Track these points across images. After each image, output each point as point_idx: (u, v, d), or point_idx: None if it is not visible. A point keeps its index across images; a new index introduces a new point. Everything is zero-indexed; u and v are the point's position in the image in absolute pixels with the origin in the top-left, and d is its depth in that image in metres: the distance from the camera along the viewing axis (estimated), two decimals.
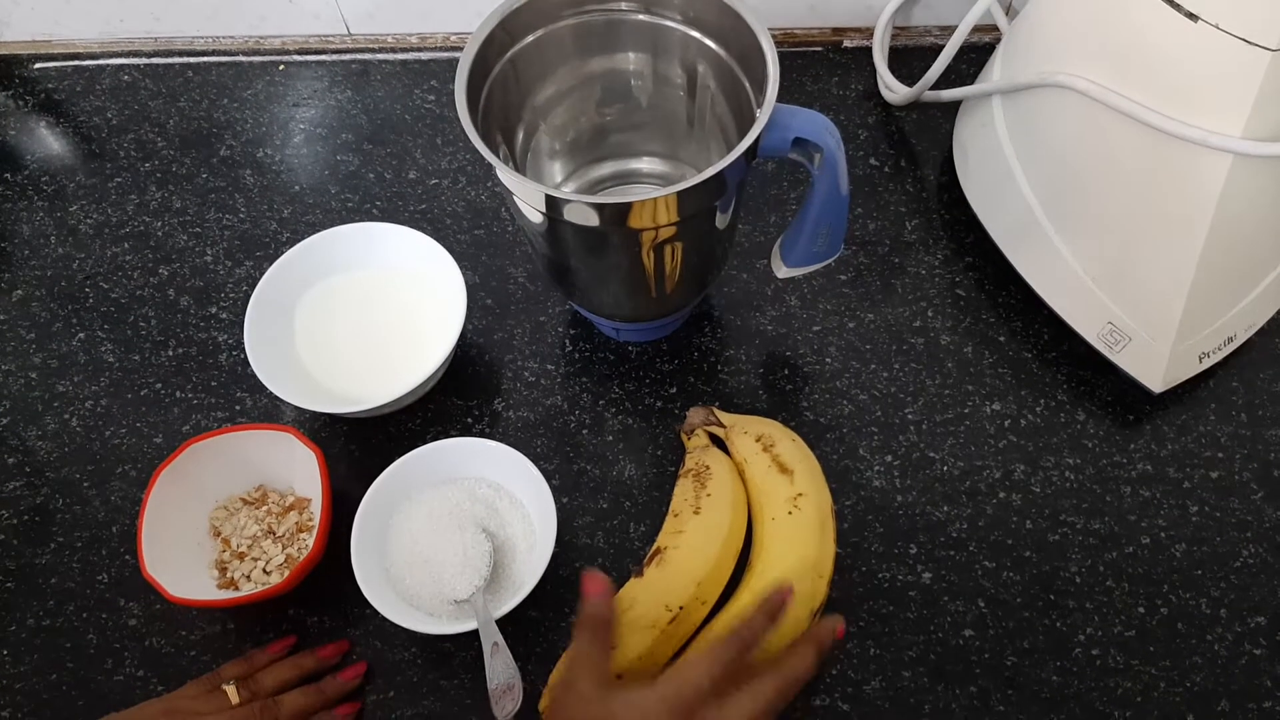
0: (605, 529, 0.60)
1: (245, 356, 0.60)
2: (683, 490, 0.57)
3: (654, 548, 0.55)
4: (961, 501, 0.60)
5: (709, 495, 0.56)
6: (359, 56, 0.81)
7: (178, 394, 0.66)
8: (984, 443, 0.62)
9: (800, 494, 0.56)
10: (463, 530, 0.56)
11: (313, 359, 0.63)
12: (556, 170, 0.64)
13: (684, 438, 0.62)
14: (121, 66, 0.82)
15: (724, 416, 0.61)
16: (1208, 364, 0.62)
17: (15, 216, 0.74)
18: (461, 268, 0.62)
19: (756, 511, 0.57)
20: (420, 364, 0.60)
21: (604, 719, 0.45)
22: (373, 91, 0.79)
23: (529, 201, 0.50)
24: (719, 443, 0.61)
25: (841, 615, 0.53)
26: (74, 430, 0.65)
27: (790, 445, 0.58)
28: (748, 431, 0.59)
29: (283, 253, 0.64)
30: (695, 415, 0.61)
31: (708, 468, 0.58)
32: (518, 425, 0.64)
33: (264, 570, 0.58)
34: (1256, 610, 0.56)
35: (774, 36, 0.50)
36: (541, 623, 0.57)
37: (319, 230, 0.65)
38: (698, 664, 0.46)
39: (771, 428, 0.60)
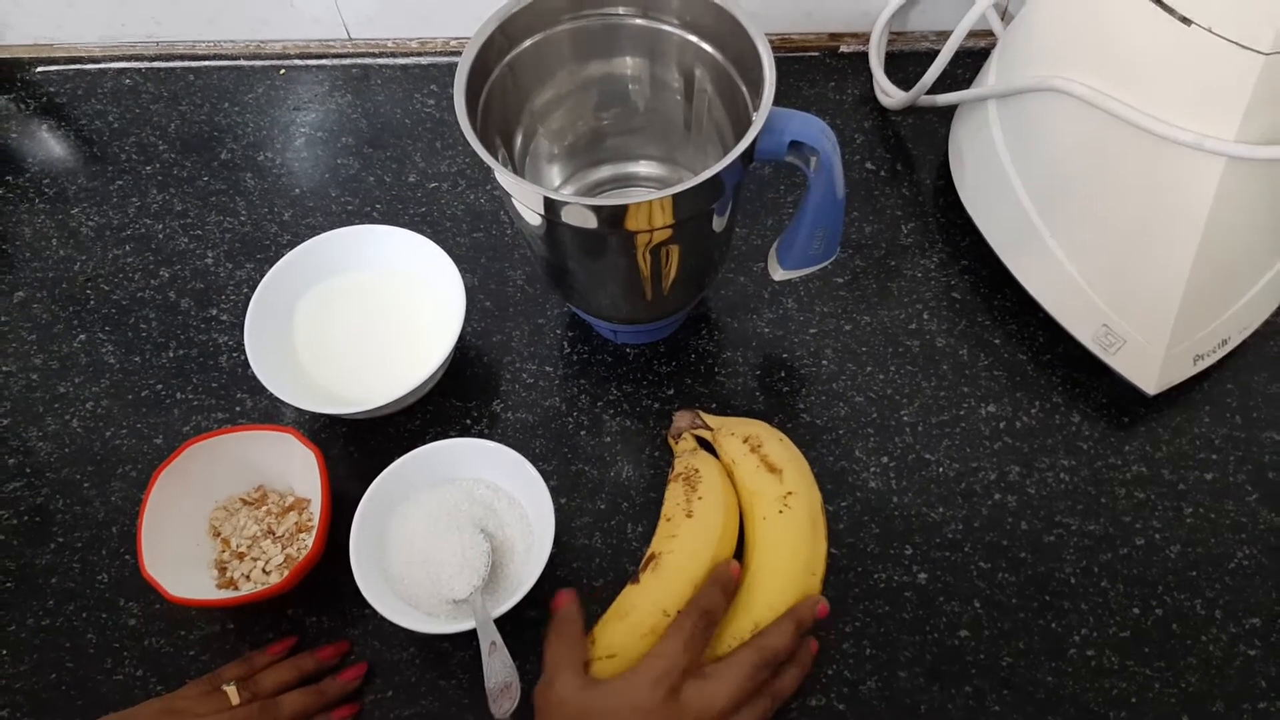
0: (603, 529, 0.60)
1: (245, 358, 0.60)
2: (674, 494, 0.58)
3: (648, 553, 0.55)
4: (957, 503, 0.60)
5: (700, 498, 0.56)
6: (359, 61, 0.82)
7: (178, 395, 0.66)
8: (979, 444, 0.62)
9: (790, 493, 0.56)
10: (461, 531, 0.56)
11: (312, 360, 0.64)
12: (555, 173, 0.65)
13: (671, 442, 0.62)
14: (123, 70, 0.82)
15: (710, 419, 0.61)
16: (1202, 366, 0.62)
17: (17, 219, 0.74)
18: (461, 270, 0.63)
19: (747, 512, 0.57)
20: (419, 365, 0.60)
21: (588, 711, 0.46)
22: (373, 95, 0.80)
23: (528, 204, 0.50)
24: (707, 446, 0.61)
25: (824, 597, 0.54)
26: (74, 431, 0.65)
27: (778, 445, 0.59)
28: (735, 433, 0.59)
29: (283, 255, 0.64)
30: (681, 419, 0.62)
31: (697, 471, 0.58)
32: (516, 426, 0.64)
33: (263, 570, 0.58)
34: (1251, 612, 0.56)
35: (771, 41, 0.50)
36: (539, 622, 0.57)
37: (319, 233, 0.65)
38: (670, 640, 0.49)
39: (759, 428, 0.60)
